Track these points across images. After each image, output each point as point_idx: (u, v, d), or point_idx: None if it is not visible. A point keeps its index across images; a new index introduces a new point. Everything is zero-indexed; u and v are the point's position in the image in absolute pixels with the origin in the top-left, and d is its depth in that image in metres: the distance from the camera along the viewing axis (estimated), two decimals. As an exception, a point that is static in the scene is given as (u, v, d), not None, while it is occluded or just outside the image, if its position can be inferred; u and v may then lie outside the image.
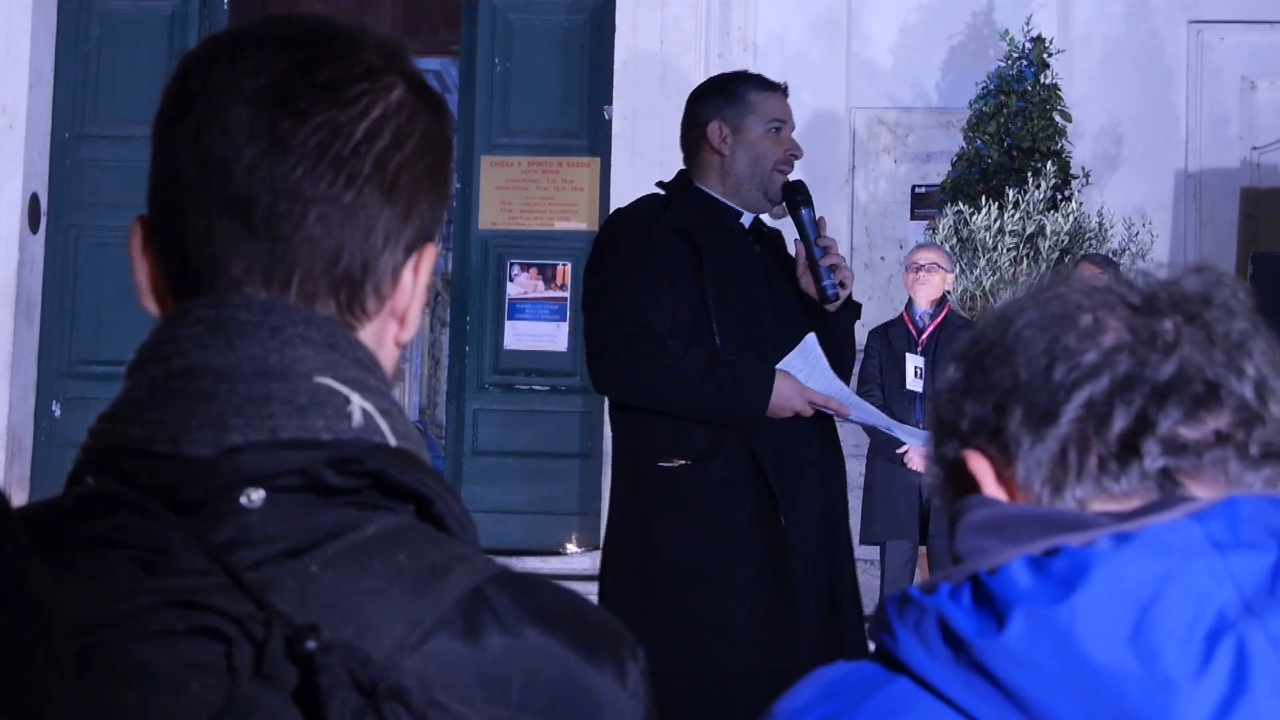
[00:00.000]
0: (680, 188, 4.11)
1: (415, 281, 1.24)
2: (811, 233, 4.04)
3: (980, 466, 1.14)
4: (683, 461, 3.90)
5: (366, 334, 1.22)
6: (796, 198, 4.07)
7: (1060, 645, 0.99)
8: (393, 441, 1.14)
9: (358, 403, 1.14)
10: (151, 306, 1.24)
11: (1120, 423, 1.09)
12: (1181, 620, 0.99)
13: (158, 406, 1.13)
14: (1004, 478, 1.13)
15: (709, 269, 3.94)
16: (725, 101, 4.08)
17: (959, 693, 1.03)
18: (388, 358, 1.25)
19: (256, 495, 1.10)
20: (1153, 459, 1.08)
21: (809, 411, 3.91)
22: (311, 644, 1.04)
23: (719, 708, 3.85)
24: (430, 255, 1.25)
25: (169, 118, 1.23)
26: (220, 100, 1.20)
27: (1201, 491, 1.08)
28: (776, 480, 3.88)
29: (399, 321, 1.25)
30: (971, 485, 1.14)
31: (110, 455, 1.14)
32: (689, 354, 3.88)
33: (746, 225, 4.11)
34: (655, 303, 3.91)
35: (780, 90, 4.15)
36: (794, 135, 4.14)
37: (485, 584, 1.12)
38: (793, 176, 4.14)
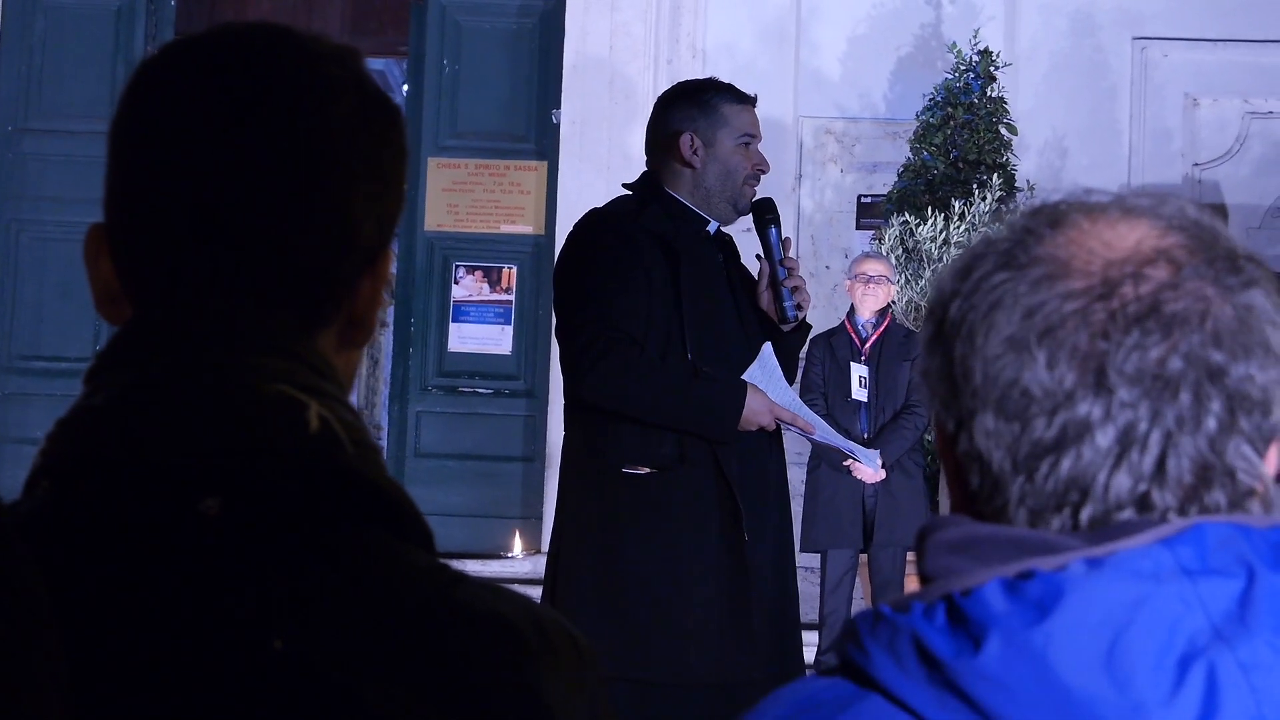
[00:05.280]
0: (652, 192, 4.10)
1: (373, 287, 1.26)
2: (777, 253, 4.05)
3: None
4: (648, 469, 3.90)
5: (324, 340, 1.23)
6: (766, 216, 4.08)
7: (1035, 669, 1.00)
8: (350, 448, 1.15)
9: (315, 410, 1.15)
10: (109, 314, 1.24)
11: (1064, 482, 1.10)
12: (1154, 646, 1.00)
13: (116, 414, 1.14)
14: None
15: (685, 277, 3.93)
16: (699, 113, 4.05)
17: (933, 711, 1.04)
18: (346, 364, 1.27)
19: (214, 503, 1.11)
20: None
21: (773, 426, 3.93)
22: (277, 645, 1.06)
23: (673, 717, 3.86)
24: (386, 260, 1.27)
25: (125, 124, 1.23)
26: (177, 108, 1.20)
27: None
28: (741, 493, 3.89)
29: (357, 327, 1.26)
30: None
31: (67, 462, 1.14)
32: (667, 364, 3.88)
33: (712, 233, 4.12)
34: (634, 307, 3.89)
35: (751, 103, 4.14)
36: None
37: (442, 590, 1.13)
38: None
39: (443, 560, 1.18)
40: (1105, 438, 1.07)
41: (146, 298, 1.21)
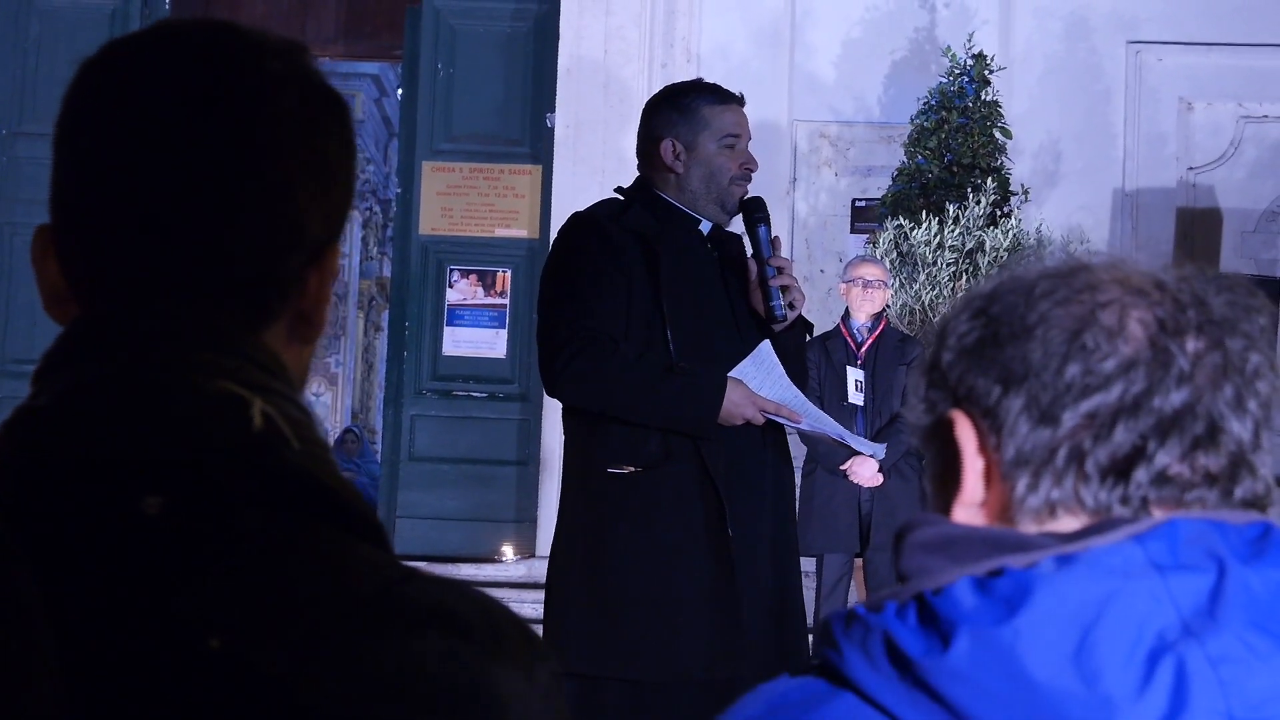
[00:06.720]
0: (640, 193, 4.09)
1: (320, 282, 1.25)
2: (766, 252, 4.03)
3: (965, 435, 1.15)
4: (633, 468, 3.89)
5: (271, 336, 1.23)
6: (754, 215, 4.06)
7: (1004, 665, 1.01)
8: (295, 445, 1.15)
9: (258, 407, 1.14)
10: (57, 315, 1.24)
11: (1118, 444, 1.10)
12: (1123, 641, 1.01)
13: (58, 415, 1.14)
14: (985, 448, 1.15)
15: (665, 274, 3.92)
16: (679, 117, 4.04)
17: (904, 710, 1.04)
18: (295, 359, 1.26)
19: (155, 502, 1.10)
20: (1138, 486, 1.10)
21: (760, 419, 3.91)
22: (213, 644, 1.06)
23: (663, 716, 3.85)
24: (333, 256, 1.26)
25: (68, 123, 1.23)
26: (118, 106, 1.20)
27: None
28: (726, 490, 3.88)
29: (305, 323, 1.26)
30: (951, 442, 1.15)
31: (10, 462, 1.14)
32: (643, 359, 3.87)
33: (705, 231, 4.11)
34: (612, 307, 3.88)
35: (736, 101, 4.11)
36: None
37: (390, 586, 1.12)
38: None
39: (404, 558, 1.17)
40: (1156, 411, 1.10)
41: (91, 298, 1.21)
